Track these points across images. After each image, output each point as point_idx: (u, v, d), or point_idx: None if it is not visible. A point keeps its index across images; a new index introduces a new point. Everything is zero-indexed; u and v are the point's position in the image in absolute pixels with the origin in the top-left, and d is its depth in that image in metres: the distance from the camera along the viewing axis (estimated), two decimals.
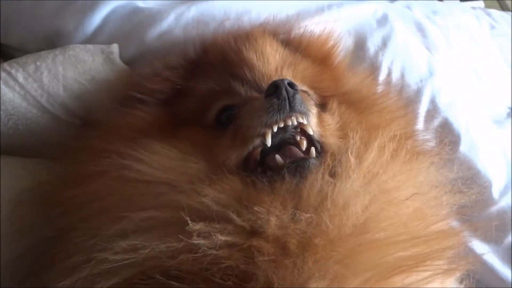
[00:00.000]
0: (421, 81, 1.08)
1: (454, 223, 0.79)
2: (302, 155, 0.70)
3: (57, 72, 0.88)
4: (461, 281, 0.75)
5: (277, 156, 0.69)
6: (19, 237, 0.77)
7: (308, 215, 0.61)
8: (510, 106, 1.27)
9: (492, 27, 1.47)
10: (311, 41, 0.94)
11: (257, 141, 0.70)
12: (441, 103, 1.07)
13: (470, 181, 0.98)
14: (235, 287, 0.57)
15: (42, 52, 0.93)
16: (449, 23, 1.32)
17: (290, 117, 0.70)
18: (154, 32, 0.98)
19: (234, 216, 0.62)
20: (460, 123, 1.06)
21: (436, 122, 1.06)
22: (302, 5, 1.09)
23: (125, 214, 0.63)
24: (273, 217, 0.61)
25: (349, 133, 0.75)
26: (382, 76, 1.06)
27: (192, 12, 1.01)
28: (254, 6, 1.01)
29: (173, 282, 0.58)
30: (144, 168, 0.69)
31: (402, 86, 1.06)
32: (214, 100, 0.80)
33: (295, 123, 0.70)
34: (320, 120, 0.77)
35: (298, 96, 0.70)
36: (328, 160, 0.69)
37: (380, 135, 0.73)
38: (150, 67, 0.90)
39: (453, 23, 1.33)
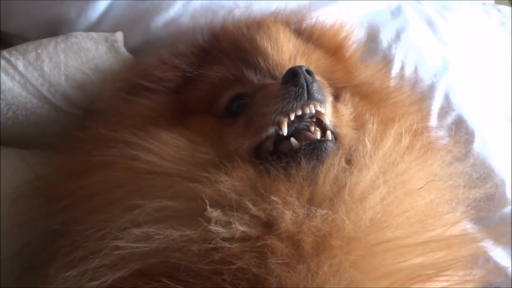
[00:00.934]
0: (435, 75, 1.05)
1: (471, 227, 0.77)
2: (318, 137, 0.68)
3: (59, 61, 0.85)
4: None
5: (293, 139, 0.66)
6: (18, 231, 0.75)
7: (324, 211, 0.59)
8: None
9: (502, 23, 1.43)
10: (324, 31, 0.91)
11: (272, 130, 0.68)
12: (455, 99, 1.04)
13: (484, 180, 0.97)
14: None
15: (44, 40, 0.89)
16: (459, 18, 1.28)
17: (308, 105, 0.68)
18: (161, 19, 0.95)
19: (250, 205, 0.59)
20: (473, 121, 1.03)
21: (450, 119, 1.03)
22: None
23: (138, 203, 0.61)
24: (288, 210, 0.59)
25: (363, 123, 0.73)
26: (395, 70, 1.03)
27: None
28: None
29: (180, 287, 0.55)
30: (153, 158, 0.67)
31: (416, 81, 1.03)
32: (225, 88, 0.78)
33: (313, 111, 0.68)
34: (335, 110, 0.75)
35: (316, 84, 0.68)
36: (344, 148, 0.68)
37: (397, 125, 0.72)
38: (157, 55, 0.87)
39: (463, 18, 1.30)
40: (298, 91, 0.67)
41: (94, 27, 0.95)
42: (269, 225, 0.59)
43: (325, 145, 0.66)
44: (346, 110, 0.79)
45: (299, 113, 0.67)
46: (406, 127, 0.73)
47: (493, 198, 0.89)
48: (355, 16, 1.04)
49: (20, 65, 0.84)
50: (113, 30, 0.94)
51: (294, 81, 0.67)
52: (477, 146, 1.01)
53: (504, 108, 1.20)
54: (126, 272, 0.58)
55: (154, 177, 0.65)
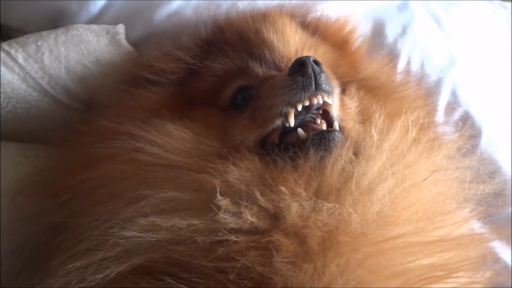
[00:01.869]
0: (442, 71, 1.04)
1: (479, 226, 0.76)
2: (325, 128, 0.67)
3: (59, 53, 0.83)
4: None
5: (300, 130, 0.65)
6: (18, 227, 0.73)
7: (330, 204, 0.58)
8: None
9: (508, 20, 1.42)
10: (329, 25, 0.89)
11: (278, 122, 0.67)
12: (462, 95, 1.03)
13: (492, 175, 0.96)
14: None
15: (44, 32, 0.88)
16: (465, 16, 1.27)
17: (315, 95, 0.66)
18: (163, 12, 0.94)
19: (259, 196, 0.58)
20: (480, 117, 1.02)
21: (457, 115, 1.02)
22: None
23: (145, 193, 0.60)
24: (295, 202, 0.58)
25: (369, 117, 0.72)
26: (401, 65, 1.02)
27: None
28: None
29: (183, 286, 0.53)
30: (157, 151, 0.65)
31: (422, 76, 1.01)
32: (229, 80, 0.77)
33: (321, 102, 0.67)
34: (341, 103, 0.74)
35: (323, 75, 0.67)
36: (352, 139, 0.67)
37: (403, 117, 0.71)
38: (160, 48, 0.86)
39: (469, 16, 1.28)
40: (306, 81, 0.65)
41: (95, 20, 0.94)
42: (276, 218, 0.58)
43: (333, 135, 0.65)
44: (352, 103, 0.78)
45: (307, 103, 0.66)
46: (413, 120, 0.71)
47: (502, 195, 0.89)
48: (361, 10, 1.02)
49: (20, 57, 0.82)
50: (115, 23, 0.92)
51: (302, 71, 0.66)
52: (484, 142, 1.00)
53: (509, 103, 1.18)
54: (130, 266, 0.57)
55: (160, 169, 0.64)
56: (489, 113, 1.04)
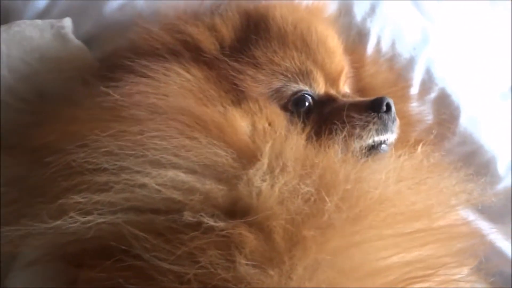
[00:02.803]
0: (414, 49, 0.99)
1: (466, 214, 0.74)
2: None
3: (1, 52, 0.78)
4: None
5: None
6: None
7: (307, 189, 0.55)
8: None
9: None
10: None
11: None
12: (437, 73, 0.99)
13: (472, 156, 0.91)
14: None
15: None
16: None
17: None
18: (115, 2, 0.89)
19: None
20: (459, 95, 0.98)
21: (433, 94, 0.98)
22: None
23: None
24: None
25: None
26: (371, 45, 0.97)
27: None
28: None
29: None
30: None
31: (393, 55, 0.96)
32: (288, 79, 0.75)
33: (391, 141, 0.74)
34: None
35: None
36: None
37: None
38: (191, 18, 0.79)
39: None
40: (390, 123, 0.73)
41: (43, 15, 0.89)
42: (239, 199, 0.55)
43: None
44: None
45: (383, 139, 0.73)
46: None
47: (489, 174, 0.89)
48: None
49: None
50: (64, 16, 0.87)
51: (389, 114, 0.73)
52: (464, 121, 0.96)
53: (494, 81, 1.14)
54: (118, 220, 0.54)
55: None
56: (468, 90, 1.00)
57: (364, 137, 0.71)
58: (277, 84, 0.74)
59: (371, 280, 0.52)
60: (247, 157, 0.59)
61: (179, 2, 0.84)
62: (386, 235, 0.55)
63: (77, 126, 0.61)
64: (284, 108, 0.74)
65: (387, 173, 0.60)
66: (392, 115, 0.73)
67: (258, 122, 0.67)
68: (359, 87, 0.88)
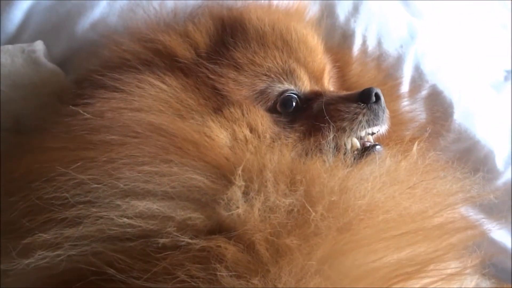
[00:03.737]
0: (401, 46, 0.96)
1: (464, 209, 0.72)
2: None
3: None
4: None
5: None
6: None
7: (289, 200, 0.54)
8: (509, 69, 1.15)
9: None
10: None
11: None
12: (427, 69, 0.96)
13: (468, 152, 0.89)
14: None
15: None
16: None
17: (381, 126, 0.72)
18: (86, 21, 0.86)
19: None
20: (451, 90, 0.96)
21: (424, 91, 0.95)
22: None
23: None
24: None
25: None
26: (356, 45, 0.94)
27: None
28: None
29: None
30: None
31: (380, 54, 0.93)
32: (272, 80, 0.73)
33: (382, 131, 0.73)
34: None
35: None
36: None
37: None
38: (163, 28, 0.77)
39: None
40: (381, 113, 0.71)
41: (15, 39, 0.86)
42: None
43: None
44: None
45: (376, 131, 0.72)
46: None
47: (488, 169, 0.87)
48: None
49: None
50: (37, 39, 0.84)
51: (378, 103, 0.71)
52: (458, 116, 0.94)
53: (488, 74, 1.11)
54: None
55: None
56: (460, 83, 0.97)
57: (355, 128, 0.69)
58: (261, 85, 0.71)
59: (359, 283, 0.50)
60: (227, 174, 0.56)
61: (151, 16, 0.82)
62: (375, 239, 0.53)
63: (45, 157, 0.58)
64: (271, 110, 0.71)
65: (374, 180, 0.58)
66: (382, 105, 0.71)
67: (238, 131, 0.65)
68: (345, 86, 0.86)
